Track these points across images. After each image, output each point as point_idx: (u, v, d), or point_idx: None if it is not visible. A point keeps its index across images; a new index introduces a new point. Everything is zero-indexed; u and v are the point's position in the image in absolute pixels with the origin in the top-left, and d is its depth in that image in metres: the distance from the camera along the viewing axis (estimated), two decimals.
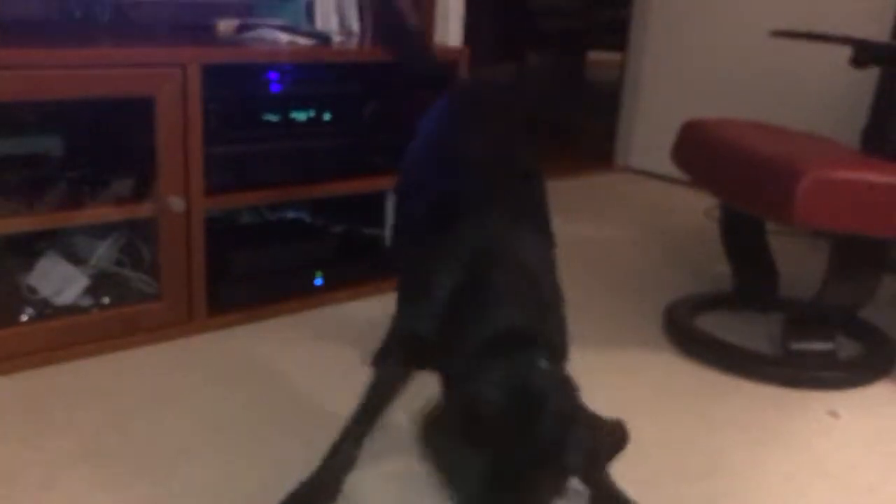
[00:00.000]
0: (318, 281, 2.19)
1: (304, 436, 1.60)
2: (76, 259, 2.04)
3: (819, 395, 1.88)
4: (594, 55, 6.15)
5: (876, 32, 2.80)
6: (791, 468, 1.59)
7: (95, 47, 1.86)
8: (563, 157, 4.18)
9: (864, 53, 2.17)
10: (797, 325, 2.00)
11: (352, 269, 2.26)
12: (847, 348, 2.06)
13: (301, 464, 1.52)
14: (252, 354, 1.94)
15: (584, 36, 5.85)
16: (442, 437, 1.10)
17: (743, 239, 2.28)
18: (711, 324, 2.17)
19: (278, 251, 2.16)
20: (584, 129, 5.21)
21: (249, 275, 2.09)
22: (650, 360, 2.02)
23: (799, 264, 2.57)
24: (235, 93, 1.99)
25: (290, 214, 2.42)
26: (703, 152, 2.10)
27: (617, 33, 4.80)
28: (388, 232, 2.31)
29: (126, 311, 1.93)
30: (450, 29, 3.05)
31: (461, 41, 3.04)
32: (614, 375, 1.88)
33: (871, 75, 2.27)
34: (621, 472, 1.53)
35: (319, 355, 1.94)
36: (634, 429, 1.69)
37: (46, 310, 1.91)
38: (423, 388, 1.28)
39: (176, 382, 1.79)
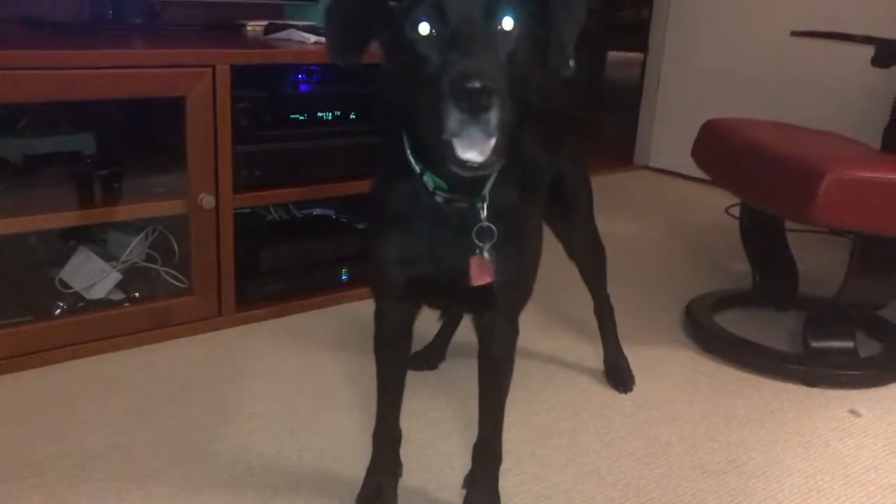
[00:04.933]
0: (344, 276, 2.23)
1: (334, 427, 1.64)
2: (108, 254, 2.09)
3: (839, 393, 1.89)
4: (615, 55, 6.15)
5: None
6: (810, 467, 1.60)
7: (127, 48, 1.89)
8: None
9: (886, 53, 2.18)
10: (818, 323, 2.01)
11: None
12: (868, 347, 2.07)
13: (329, 454, 1.55)
14: (279, 348, 1.97)
15: (605, 36, 5.84)
16: None
17: (763, 237, 2.29)
18: (731, 321, 2.19)
19: (305, 247, 2.20)
20: (604, 128, 5.21)
21: (277, 270, 2.13)
22: (670, 357, 2.03)
23: (817, 261, 2.58)
24: (264, 92, 2.02)
25: (317, 211, 2.45)
26: (723, 152, 2.11)
27: (637, 33, 4.81)
28: None
29: (156, 306, 1.97)
30: None
31: None
32: (634, 372, 1.90)
33: (893, 74, 2.27)
34: (640, 469, 1.56)
35: (346, 350, 1.98)
36: (654, 426, 1.72)
37: (79, 304, 1.96)
38: None
39: (205, 375, 1.83)
